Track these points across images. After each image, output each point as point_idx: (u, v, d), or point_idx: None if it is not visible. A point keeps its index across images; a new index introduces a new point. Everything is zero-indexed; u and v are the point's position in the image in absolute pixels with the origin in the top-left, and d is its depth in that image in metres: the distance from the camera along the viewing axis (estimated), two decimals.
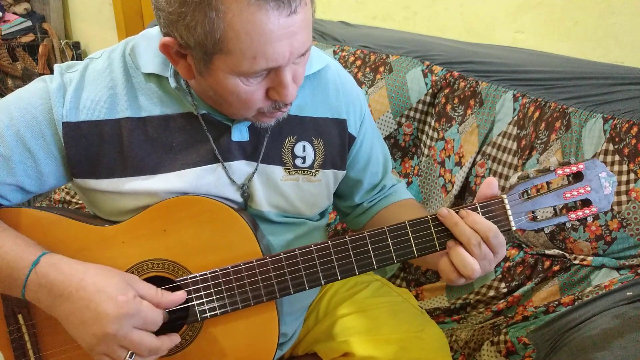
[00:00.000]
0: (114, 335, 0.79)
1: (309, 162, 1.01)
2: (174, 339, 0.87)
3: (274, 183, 0.98)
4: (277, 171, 0.98)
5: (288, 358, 1.16)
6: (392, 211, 1.12)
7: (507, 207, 0.86)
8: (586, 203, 0.88)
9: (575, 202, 0.88)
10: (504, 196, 0.85)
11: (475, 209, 0.85)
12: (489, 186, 0.86)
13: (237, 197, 0.96)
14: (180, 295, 0.87)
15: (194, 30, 0.75)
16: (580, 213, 0.87)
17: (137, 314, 0.81)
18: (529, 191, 0.87)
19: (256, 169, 0.96)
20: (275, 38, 0.75)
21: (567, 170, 0.86)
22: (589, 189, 0.87)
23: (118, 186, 0.91)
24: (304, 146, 1.00)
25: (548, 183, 0.88)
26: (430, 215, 0.86)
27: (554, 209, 0.88)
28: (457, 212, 0.85)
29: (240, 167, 0.95)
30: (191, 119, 0.93)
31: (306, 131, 1.00)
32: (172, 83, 0.91)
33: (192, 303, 0.88)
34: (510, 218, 0.86)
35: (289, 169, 0.99)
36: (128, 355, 0.81)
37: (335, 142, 1.03)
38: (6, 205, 0.92)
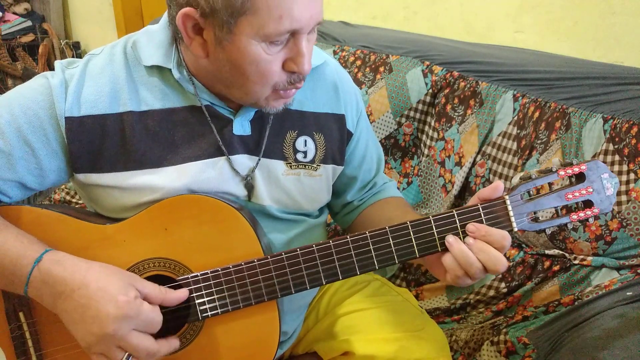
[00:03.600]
0: (112, 335, 0.79)
1: (310, 156, 1.01)
2: (172, 344, 0.87)
3: (275, 177, 0.98)
4: (279, 166, 0.98)
5: (288, 357, 1.16)
6: (378, 207, 1.12)
7: (509, 207, 0.85)
8: (588, 204, 0.87)
9: (576, 203, 0.87)
10: (506, 197, 0.85)
11: (477, 210, 0.85)
12: (495, 190, 0.85)
13: (240, 190, 0.96)
14: (184, 292, 0.87)
15: None
16: (582, 214, 0.87)
17: (137, 315, 0.80)
18: (531, 192, 0.87)
19: (257, 163, 0.96)
20: None
21: (570, 171, 0.86)
22: (591, 190, 0.86)
23: (120, 181, 0.91)
24: (305, 141, 1.00)
25: (550, 184, 0.88)
26: (432, 216, 0.86)
27: (556, 210, 0.88)
28: (464, 231, 0.84)
29: (242, 161, 0.95)
30: (193, 112, 0.93)
31: (307, 126, 1.01)
32: (176, 74, 0.91)
33: (194, 302, 0.88)
34: (512, 219, 0.85)
35: (290, 163, 0.99)
36: (125, 357, 0.81)
37: (335, 137, 1.04)
38: (7, 202, 0.92)
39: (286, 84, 0.87)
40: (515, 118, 1.35)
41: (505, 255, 1.31)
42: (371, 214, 1.12)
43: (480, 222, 0.85)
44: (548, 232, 0.88)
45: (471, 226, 0.84)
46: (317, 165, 1.02)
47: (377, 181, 1.15)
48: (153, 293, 0.84)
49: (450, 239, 0.84)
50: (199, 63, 0.89)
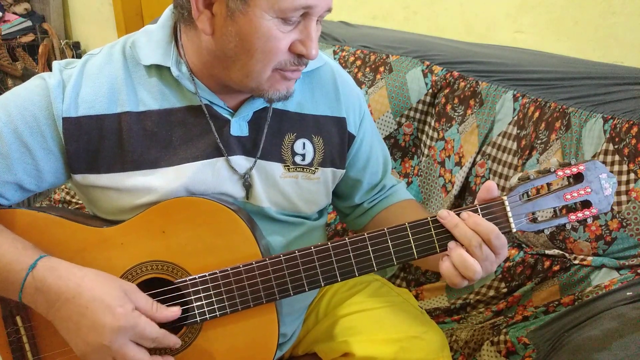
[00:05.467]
0: (108, 346, 0.79)
1: (308, 159, 1.01)
2: None
3: (272, 180, 0.98)
4: (277, 168, 0.98)
5: (288, 358, 1.16)
6: (393, 212, 1.12)
7: (508, 208, 0.85)
8: (586, 204, 0.87)
9: (575, 203, 0.88)
10: (505, 197, 0.85)
11: (475, 210, 0.85)
12: (488, 191, 0.86)
13: (238, 190, 0.96)
14: (175, 311, 0.86)
15: None
16: (580, 214, 0.87)
17: (134, 328, 0.80)
18: (529, 192, 0.87)
19: (254, 164, 0.96)
20: None
21: (568, 171, 0.86)
22: (589, 190, 0.86)
23: (117, 181, 0.91)
24: (304, 143, 1.00)
25: (548, 184, 0.88)
26: (430, 217, 0.86)
27: (554, 210, 0.88)
28: (458, 214, 0.84)
29: (239, 162, 0.95)
30: (192, 112, 0.93)
31: (306, 128, 1.00)
32: (175, 71, 0.90)
33: (192, 305, 0.88)
34: (511, 220, 0.85)
35: (288, 166, 0.99)
36: None
37: (335, 140, 1.03)
38: (5, 204, 0.92)
39: (289, 64, 0.86)
40: (515, 118, 1.34)
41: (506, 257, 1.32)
42: (387, 217, 1.11)
43: None
44: (547, 232, 0.88)
45: (464, 213, 0.85)
46: (316, 168, 1.01)
47: (386, 183, 1.15)
48: (144, 308, 0.83)
49: (452, 245, 0.85)
50: (201, 45, 0.88)
